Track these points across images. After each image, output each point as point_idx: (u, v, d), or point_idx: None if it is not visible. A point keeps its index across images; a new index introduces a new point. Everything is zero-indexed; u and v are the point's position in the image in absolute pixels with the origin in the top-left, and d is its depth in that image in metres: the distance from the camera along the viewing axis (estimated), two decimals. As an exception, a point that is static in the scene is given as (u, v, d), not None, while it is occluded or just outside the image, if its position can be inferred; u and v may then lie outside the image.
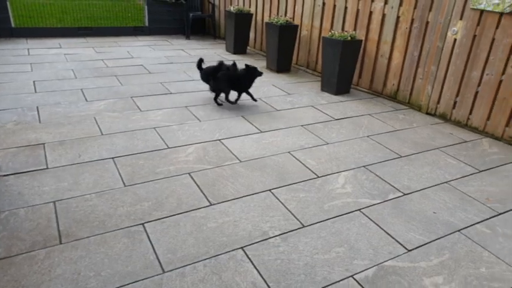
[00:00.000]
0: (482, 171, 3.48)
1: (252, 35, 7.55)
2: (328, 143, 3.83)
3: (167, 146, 3.53)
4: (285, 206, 2.76)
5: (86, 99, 4.52)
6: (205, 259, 2.21)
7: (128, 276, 2.06)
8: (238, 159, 3.37)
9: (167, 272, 2.11)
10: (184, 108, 4.46)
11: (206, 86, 5.26)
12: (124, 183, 2.90)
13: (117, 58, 6.46)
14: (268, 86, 5.50)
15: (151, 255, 2.21)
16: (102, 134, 3.67)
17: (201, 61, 4.76)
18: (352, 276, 2.16)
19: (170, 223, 2.50)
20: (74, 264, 2.12)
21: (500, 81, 4.09)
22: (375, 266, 2.25)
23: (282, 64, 6.23)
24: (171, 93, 4.93)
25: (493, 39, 4.07)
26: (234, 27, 6.97)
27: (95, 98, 4.57)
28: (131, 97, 4.69)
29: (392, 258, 2.32)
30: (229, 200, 2.78)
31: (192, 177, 3.03)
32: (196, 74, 5.79)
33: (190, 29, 8.33)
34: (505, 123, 4.12)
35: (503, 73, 4.06)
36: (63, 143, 3.44)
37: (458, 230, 2.63)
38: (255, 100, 4.78)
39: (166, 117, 4.16)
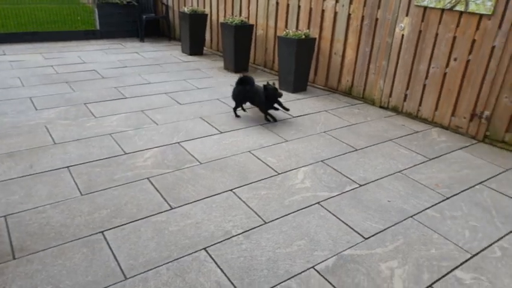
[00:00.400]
0: (432, 159, 3.68)
1: (208, 35, 7.53)
2: (287, 141, 3.90)
3: (124, 152, 3.46)
4: (246, 205, 2.79)
5: (35, 108, 4.33)
6: (168, 262, 2.20)
7: (88, 286, 2.01)
8: (198, 161, 3.37)
9: (129, 278, 2.08)
10: (141, 113, 4.38)
11: (162, 89, 5.23)
12: (81, 192, 2.82)
13: (68, 64, 6.23)
14: (226, 87, 5.51)
15: (112, 263, 2.17)
16: (54, 143, 3.53)
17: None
18: (313, 267, 2.23)
19: (130, 229, 2.46)
20: (30, 278, 2.04)
21: (445, 74, 4.33)
22: (334, 255, 2.33)
23: (240, 64, 6.27)
24: (126, 98, 4.83)
25: (437, 34, 4.31)
26: (189, 28, 6.91)
27: (45, 106, 4.39)
28: (84, 103, 4.55)
29: (350, 247, 2.41)
30: (190, 203, 2.77)
31: (151, 182, 3.00)
32: (152, 77, 5.74)
33: (144, 31, 8.18)
34: (451, 113, 4.37)
35: (447, 66, 4.30)
36: (12, 155, 3.28)
37: (411, 216, 2.77)
38: (274, 120, 4.44)
39: (122, 123, 4.07)
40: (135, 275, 2.10)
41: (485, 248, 2.48)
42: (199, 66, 6.49)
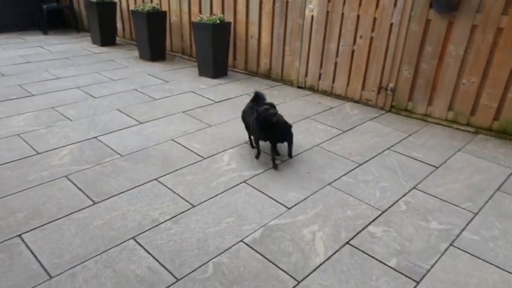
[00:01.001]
0: (346, 131, 3.97)
1: (119, 24, 7.19)
2: (211, 125, 3.94)
3: (36, 151, 3.24)
4: (173, 191, 2.79)
5: None
6: (95, 256, 2.16)
7: (9, 293, 1.90)
8: (119, 154, 3.27)
9: (55, 276, 2.01)
10: (52, 110, 4.11)
11: (74, 84, 4.94)
12: (-10, 198, 2.61)
13: (-41, 62, 5.58)
14: (143, 76, 5.36)
15: (34, 265, 2.07)
16: (-48, 149, 3.20)
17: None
18: (242, 240, 2.34)
19: (52, 229, 2.35)
20: None
21: (353, 51, 4.65)
22: (261, 227, 2.46)
23: (156, 52, 6.10)
24: (33, 95, 4.47)
25: (342, 14, 4.58)
26: (97, 17, 6.54)
27: None
28: (-16, 104, 4.14)
29: (275, 218, 2.55)
30: (114, 196, 2.71)
31: (70, 180, 2.86)
32: (61, 72, 5.36)
33: (46, 23, 7.55)
34: (360, 87, 4.72)
35: (354, 43, 4.61)
36: None
37: (329, 184, 2.99)
38: (275, 166, 3.18)
39: (31, 122, 3.79)
40: (61, 273, 2.03)
41: (393, 204, 2.78)
42: (113, 57, 6.20)
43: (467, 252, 2.33)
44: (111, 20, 6.83)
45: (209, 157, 3.31)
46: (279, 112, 3.10)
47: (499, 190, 2.99)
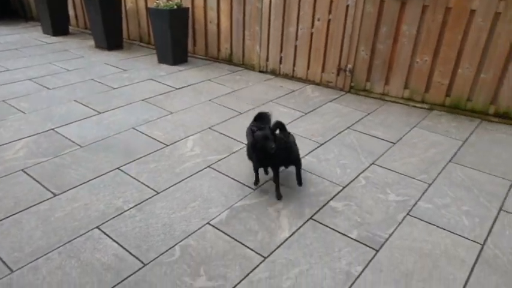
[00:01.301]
0: (307, 113, 4.04)
1: (71, 12, 6.88)
2: (172, 113, 3.89)
3: (-11, 146, 3.11)
4: (136, 179, 2.76)
5: None
6: (58, 247, 2.12)
7: (-33, 292, 1.84)
8: (78, 145, 3.19)
9: (16, 270, 1.97)
10: (2, 103, 3.91)
11: (25, 75, 4.72)
12: None
13: None
14: (100, 66, 5.19)
15: (-7, 261, 2.01)
16: None
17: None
18: (208, 222, 2.36)
19: (10, 223, 2.28)
20: None
21: (312, 34, 4.71)
22: (227, 209, 2.49)
23: (112, 41, 5.91)
24: (-19, 89, 4.25)
25: (300, -3, 4.62)
26: (47, 5, 6.21)
27: None
28: None
29: (241, 199, 2.59)
30: (75, 187, 2.64)
31: (27, 173, 2.77)
32: (10, 64, 5.09)
33: (-8, 13, 7.13)
34: (321, 70, 4.80)
35: (312, 26, 4.67)
36: None
37: (292, 164, 3.05)
38: (278, 196, 2.67)
39: (-19, 115, 3.61)
40: (22, 266, 1.99)
41: (353, 179, 2.88)
42: (67, 47, 5.95)
43: (422, 220, 2.47)
44: (62, 8, 6.52)
45: (172, 144, 3.29)
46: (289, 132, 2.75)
47: (451, 161, 3.17)
